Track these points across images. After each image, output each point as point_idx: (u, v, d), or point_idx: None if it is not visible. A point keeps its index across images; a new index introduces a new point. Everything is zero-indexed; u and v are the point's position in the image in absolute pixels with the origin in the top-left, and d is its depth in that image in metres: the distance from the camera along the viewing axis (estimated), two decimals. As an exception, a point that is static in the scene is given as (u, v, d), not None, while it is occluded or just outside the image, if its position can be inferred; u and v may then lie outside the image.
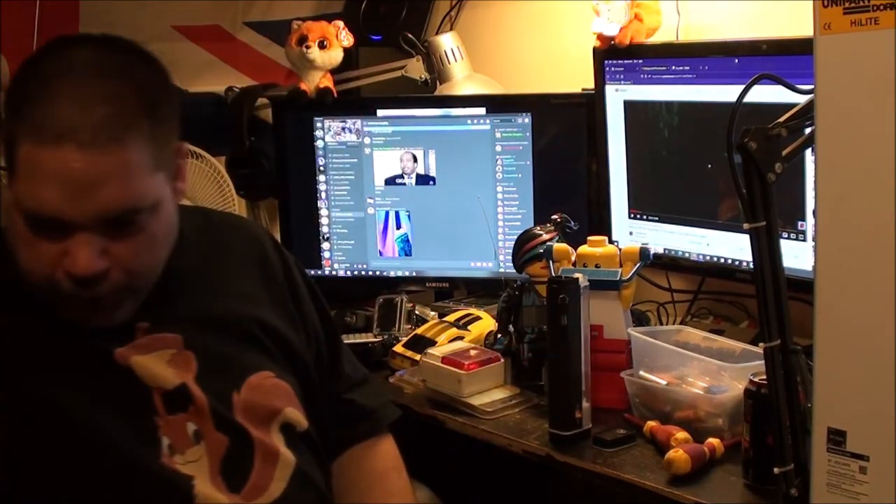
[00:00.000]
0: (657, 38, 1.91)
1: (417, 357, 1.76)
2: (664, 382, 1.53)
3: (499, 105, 2.08)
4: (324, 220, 2.18)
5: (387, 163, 2.13)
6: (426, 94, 2.27)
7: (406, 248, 2.15)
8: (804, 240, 1.65)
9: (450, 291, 2.23)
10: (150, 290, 1.22)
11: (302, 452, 1.29)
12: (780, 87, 1.16)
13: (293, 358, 1.35)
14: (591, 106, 1.96)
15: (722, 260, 1.82)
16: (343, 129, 2.14)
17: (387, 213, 2.15)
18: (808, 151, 1.09)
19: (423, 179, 2.11)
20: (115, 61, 1.15)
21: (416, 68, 2.29)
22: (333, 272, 2.19)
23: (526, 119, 2.05)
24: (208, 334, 1.27)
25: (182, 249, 1.28)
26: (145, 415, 1.20)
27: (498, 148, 2.07)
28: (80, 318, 1.18)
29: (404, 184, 2.13)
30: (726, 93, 1.71)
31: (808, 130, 1.11)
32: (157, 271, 1.22)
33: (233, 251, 1.38)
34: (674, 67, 1.81)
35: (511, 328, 1.74)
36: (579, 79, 2.03)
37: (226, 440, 1.22)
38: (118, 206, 1.10)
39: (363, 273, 2.18)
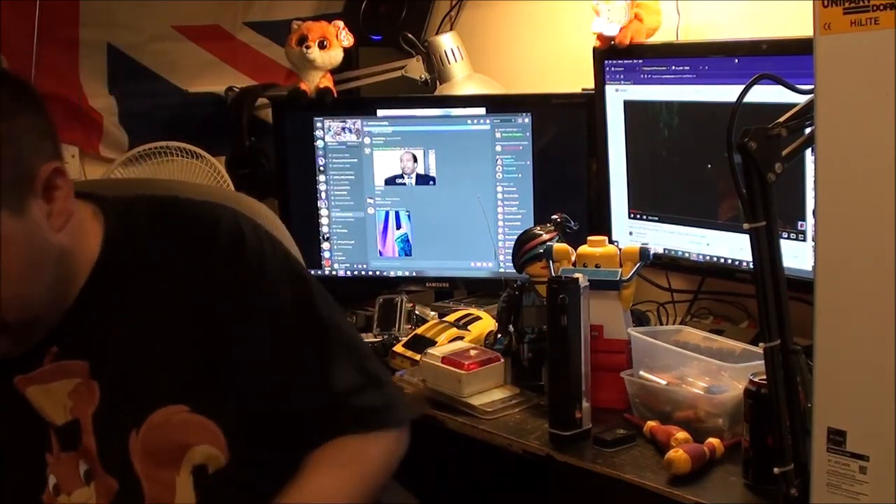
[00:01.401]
0: (657, 38, 1.91)
1: (417, 357, 1.76)
2: (664, 382, 1.53)
3: (499, 105, 2.08)
4: (324, 220, 2.18)
5: (387, 163, 2.12)
6: (426, 94, 2.27)
7: (406, 248, 2.15)
8: (804, 240, 1.65)
9: (450, 291, 2.23)
10: (58, 316, 1.17)
11: (213, 494, 1.20)
12: (780, 87, 1.16)
13: (226, 382, 1.20)
14: (591, 106, 1.96)
15: (722, 260, 1.82)
16: (343, 129, 2.14)
17: (387, 213, 2.15)
18: (808, 151, 1.09)
19: (423, 179, 2.11)
20: None
21: (416, 68, 2.29)
22: (333, 272, 2.19)
23: (526, 119, 2.05)
24: (120, 361, 1.19)
25: (110, 260, 1.20)
26: (38, 449, 1.18)
27: (498, 148, 2.07)
28: None
29: (404, 184, 2.13)
30: (726, 93, 1.71)
31: (808, 130, 1.11)
32: (23, 304, 1.13)
33: (175, 258, 1.21)
34: (674, 67, 1.81)
35: (511, 328, 1.73)
36: (579, 79, 2.03)
37: (115, 483, 1.18)
38: None
39: (363, 273, 2.18)
